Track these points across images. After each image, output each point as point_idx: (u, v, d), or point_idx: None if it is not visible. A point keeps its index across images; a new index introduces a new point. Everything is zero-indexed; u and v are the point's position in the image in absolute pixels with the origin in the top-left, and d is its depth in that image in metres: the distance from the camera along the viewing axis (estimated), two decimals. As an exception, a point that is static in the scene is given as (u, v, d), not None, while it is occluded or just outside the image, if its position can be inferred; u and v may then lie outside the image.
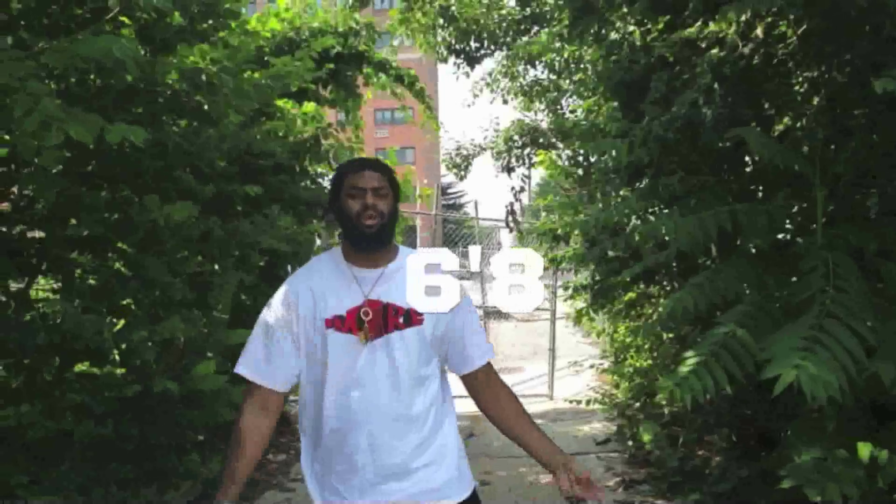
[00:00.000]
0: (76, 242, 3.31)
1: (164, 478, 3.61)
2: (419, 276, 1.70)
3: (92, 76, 2.80)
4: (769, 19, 3.31)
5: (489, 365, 1.91)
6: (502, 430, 1.88)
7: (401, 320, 1.75)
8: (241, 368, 1.79)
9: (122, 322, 3.26)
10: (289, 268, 5.54)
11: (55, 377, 3.12)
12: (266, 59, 4.67)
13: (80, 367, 3.35)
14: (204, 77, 3.23)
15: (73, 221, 3.25)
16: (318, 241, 6.19)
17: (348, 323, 1.74)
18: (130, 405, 3.24)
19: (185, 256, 3.90)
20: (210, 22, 3.53)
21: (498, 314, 9.66)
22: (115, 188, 3.38)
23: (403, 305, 1.74)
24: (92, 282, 3.29)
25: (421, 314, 1.76)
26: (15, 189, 3.21)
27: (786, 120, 3.65)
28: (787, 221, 3.21)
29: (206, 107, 3.43)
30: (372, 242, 1.76)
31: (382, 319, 1.75)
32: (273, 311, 1.80)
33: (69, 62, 2.34)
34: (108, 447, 3.25)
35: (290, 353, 1.78)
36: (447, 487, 1.81)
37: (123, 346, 3.13)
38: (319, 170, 5.71)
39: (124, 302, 3.32)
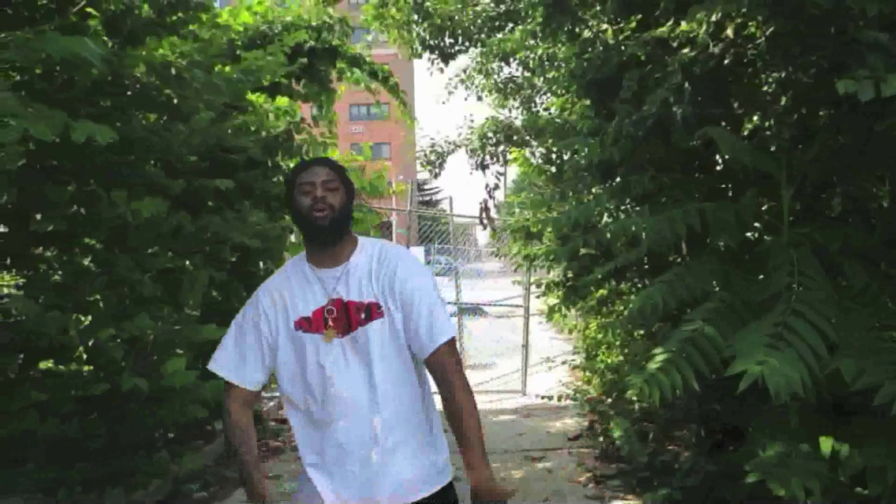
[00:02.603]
0: (40, 237, 3.24)
1: (132, 477, 3.56)
2: (374, 266, 1.80)
3: (57, 68, 2.73)
4: (739, 20, 3.35)
5: (443, 350, 1.78)
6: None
7: (362, 316, 1.77)
8: (214, 366, 1.86)
9: (87, 319, 3.20)
10: (260, 264, 5.49)
11: (18, 375, 3.05)
12: (238, 52, 4.62)
13: (45, 364, 3.28)
14: (173, 71, 3.18)
15: (38, 216, 3.18)
16: (292, 237, 6.14)
17: (315, 323, 1.79)
18: (97, 403, 3.18)
19: (154, 252, 3.84)
20: (180, 14, 3.46)
21: (472, 311, 9.68)
22: (82, 183, 3.31)
23: (363, 301, 1.78)
24: (56, 278, 3.23)
25: (381, 308, 1.77)
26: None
27: (754, 119, 3.70)
28: (755, 220, 3.26)
29: (175, 101, 3.38)
30: (324, 235, 1.79)
31: (345, 317, 1.78)
32: (245, 314, 1.87)
33: (33, 57, 2.29)
34: (74, 447, 3.20)
35: (259, 357, 1.84)
36: (419, 479, 1.82)
37: (90, 343, 3.08)
38: (292, 165, 5.66)
39: (91, 298, 3.25)
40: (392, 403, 1.78)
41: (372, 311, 1.78)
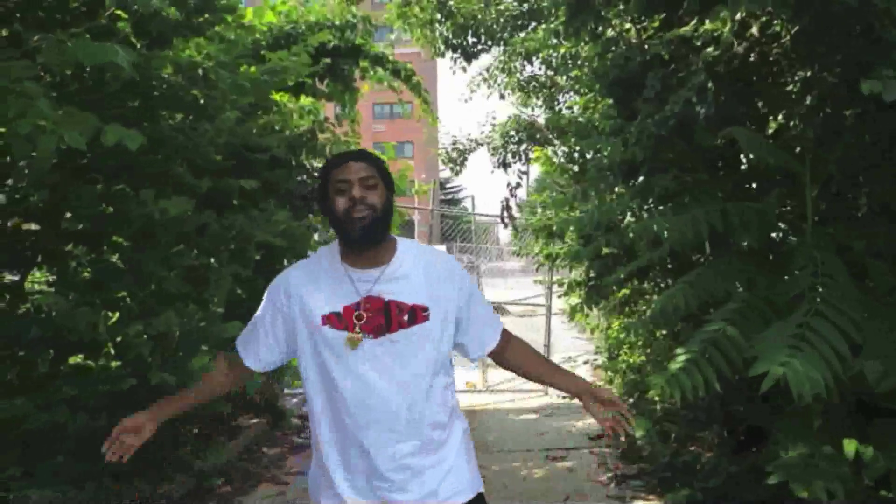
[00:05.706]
0: (71, 235, 3.32)
1: (158, 470, 3.63)
2: (421, 269, 1.69)
3: (87, 70, 2.79)
4: (763, 19, 3.32)
5: (506, 332, 1.91)
6: (531, 378, 1.95)
7: (405, 318, 1.64)
8: (237, 340, 1.87)
9: (116, 315, 3.27)
10: (285, 262, 5.55)
11: (49, 370, 3.13)
12: (262, 53, 4.67)
13: (75, 359, 3.36)
14: (200, 71, 3.23)
15: (69, 215, 3.26)
16: (315, 236, 6.19)
17: (345, 320, 1.64)
18: (125, 398, 3.25)
19: (180, 250, 3.90)
20: (206, 16, 3.52)
21: (494, 309, 9.66)
22: (111, 182, 3.39)
23: (408, 302, 1.65)
24: (86, 275, 3.30)
25: (427, 311, 1.66)
26: (10, 181, 3.22)
27: (779, 119, 3.66)
28: (779, 220, 3.23)
29: (202, 101, 3.44)
30: (363, 240, 1.62)
31: (385, 318, 1.63)
32: (264, 301, 1.78)
33: (65, 62, 2.34)
34: (103, 440, 3.26)
35: (266, 344, 1.77)
36: (449, 489, 1.70)
37: (118, 339, 3.15)
38: (316, 164, 5.71)
39: (119, 295, 3.33)
40: (422, 407, 1.67)
41: (417, 314, 1.65)
